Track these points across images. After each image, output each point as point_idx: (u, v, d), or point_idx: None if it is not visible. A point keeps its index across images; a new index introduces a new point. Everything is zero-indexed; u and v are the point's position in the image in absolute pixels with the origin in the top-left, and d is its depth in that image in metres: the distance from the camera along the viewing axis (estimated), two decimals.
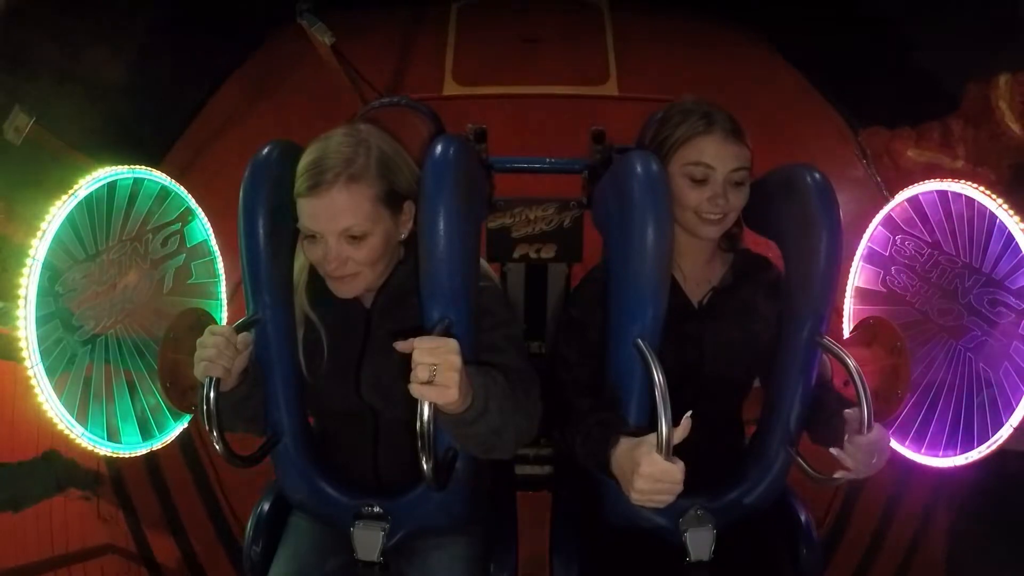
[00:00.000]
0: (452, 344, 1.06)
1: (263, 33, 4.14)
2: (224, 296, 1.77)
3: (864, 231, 1.70)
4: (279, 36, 4.07)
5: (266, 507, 1.57)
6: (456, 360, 1.05)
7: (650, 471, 1.07)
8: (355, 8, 3.69)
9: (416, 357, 1.05)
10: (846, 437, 1.22)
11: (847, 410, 1.24)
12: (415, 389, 1.04)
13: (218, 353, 1.19)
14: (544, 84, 3.85)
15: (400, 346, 1.09)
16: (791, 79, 3.90)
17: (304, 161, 1.23)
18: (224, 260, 1.77)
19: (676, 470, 1.06)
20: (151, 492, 2.55)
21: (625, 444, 1.15)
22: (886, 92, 3.45)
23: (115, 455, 1.48)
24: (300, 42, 3.66)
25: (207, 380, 1.19)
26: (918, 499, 2.46)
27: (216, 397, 1.20)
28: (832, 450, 1.24)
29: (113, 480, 2.44)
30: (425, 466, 1.13)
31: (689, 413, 1.10)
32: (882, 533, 2.50)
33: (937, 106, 3.18)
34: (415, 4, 4.35)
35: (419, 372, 1.04)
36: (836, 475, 1.25)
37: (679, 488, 1.07)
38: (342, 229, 1.21)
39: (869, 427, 1.20)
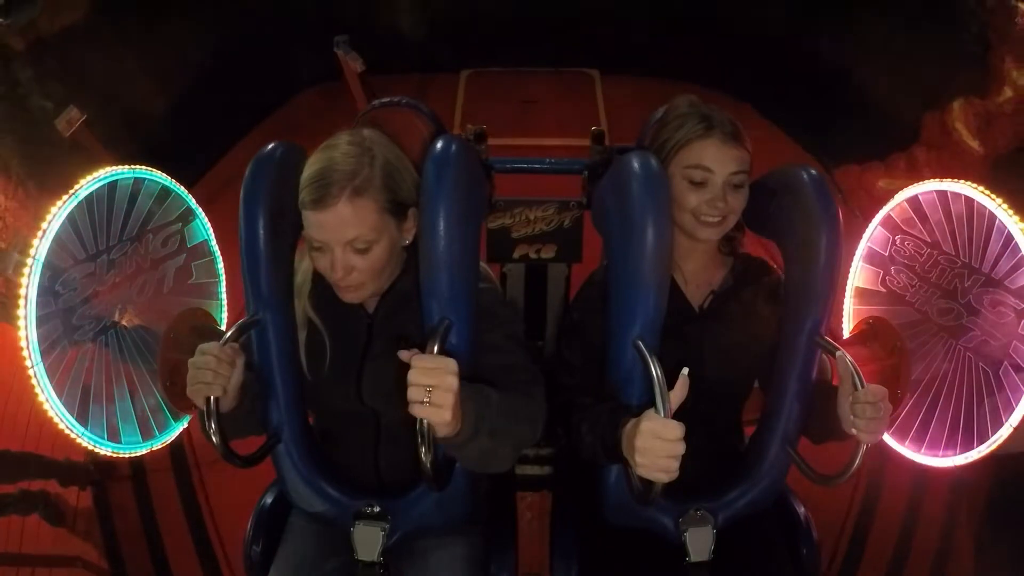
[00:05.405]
0: (450, 365, 1.05)
1: (295, 88, 4.86)
2: (224, 296, 1.77)
3: (854, 243, 1.70)
4: (308, 93, 4.82)
5: (266, 507, 1.57)
6: (452, 382, 1.04)
7: (650, 426, 1.08)
8: (374, 73, 4.06)
9: (411, 377, 1.04)
10: (843, 396, 1.22)
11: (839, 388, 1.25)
12: (410, 408, 1.05)
13: (214, 374, 1.18)
14: (542, 136, 4.36)
15: (402, 355, 1.08)
16: (767, 131, 4.24)
17: (308, 171, 1.22)
18: (229, 263, 1.77)
19: (676, 425, 1.07)
20: (132, 501, 2.49)
21: (633, 420, 1.15)
22: (853, 133, 3.76)
23: (115, 455, 1.48)
24: (327, 100, 4.42)
25: (208, 400, 1.18)
26: (937, 510, 2.42)
27: (219, 416, 1.19)
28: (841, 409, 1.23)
29: (94, 488, 2.40)
30: (425, 466, 1.13)
31: (685, 371, 1.12)
32: (904, 548, 2.44)
33: (900, 139, 3.45)
34: (428, 70, 5.02)
35: (413, 393, 1.04)
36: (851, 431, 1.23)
37: (680, 447, 1.07)
38: (348, 240, 1.22)
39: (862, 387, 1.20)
